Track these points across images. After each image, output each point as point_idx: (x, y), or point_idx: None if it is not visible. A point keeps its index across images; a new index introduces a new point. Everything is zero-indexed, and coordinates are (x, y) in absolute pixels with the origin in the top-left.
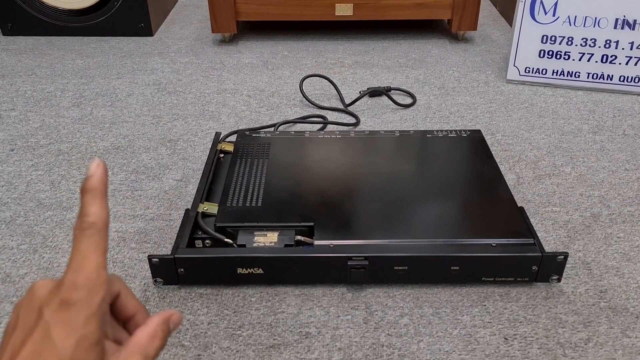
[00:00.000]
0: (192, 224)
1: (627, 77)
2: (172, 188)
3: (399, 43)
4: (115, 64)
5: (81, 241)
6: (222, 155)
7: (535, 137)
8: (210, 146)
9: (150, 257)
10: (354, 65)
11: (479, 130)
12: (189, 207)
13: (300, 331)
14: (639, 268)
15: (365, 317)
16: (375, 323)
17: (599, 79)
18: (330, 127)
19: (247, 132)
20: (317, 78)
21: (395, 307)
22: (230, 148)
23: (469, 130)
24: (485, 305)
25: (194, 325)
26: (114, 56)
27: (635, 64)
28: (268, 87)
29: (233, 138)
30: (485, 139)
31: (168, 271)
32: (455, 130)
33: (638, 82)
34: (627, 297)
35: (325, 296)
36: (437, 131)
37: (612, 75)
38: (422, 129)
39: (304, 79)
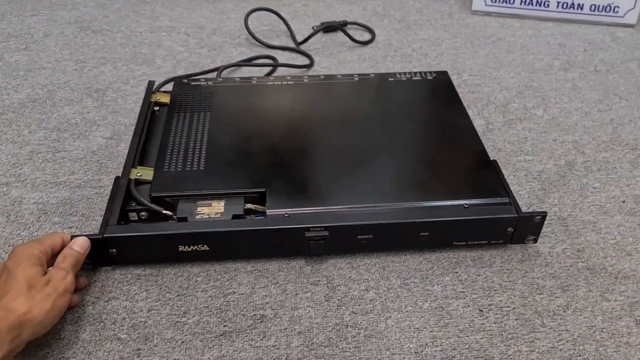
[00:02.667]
0: (123, 194)
1: (598, 6)
2: (101, 148)
3: None
4: None
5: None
6: (157, 108)
7: (504, 76)
8: (143, 96)
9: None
10: None
11: (446, 72)
12: (121, 170)
13: (255, 314)
14: (615, 222)
15: (327, 293)
16: (338, 300)
17: (569, 8)
18: (280, 71)
19: (185, 80)
20: (265, 12)
21: (359, 280)
22: (166, 99)
23: (434, 72)
24: (457, 273)
25: (132, 313)
26: None
27: None
28: (209, 23)
29: (169, 87)
30: (452, 80)
31: (97, 252)
32: (420, 73)
33: (609, 11)
34: (605, 255)
35: (281, 271)
36: (399, 74)
37: (583, 4)
38: (383, 70)
39: (249, 14)
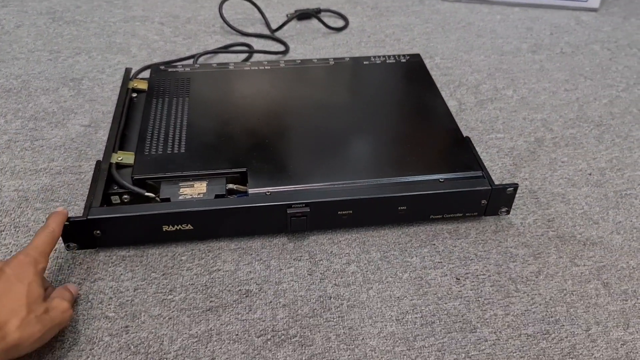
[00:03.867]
0: (105, 177)
1: None
2: (80, 135)
3: None
4: None
5: (39, 234)
6: (135, 94)
7: (474, 59)
8: (120, 84)
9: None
10: None
11: (418, 55)
12: (102, 156)
13: (240, 290)
14: (583, 193)
15: (310, 267)
16: (320, 274)
17: None
18: (256, 57)
19: (162, 67)
20: (239, 0)
21: (341, 254)
22: (143, 86)
23: (407, 55)
24: (434, 245)
25: (118, 293)
26: None
27: None
28: (183, 12)
29: (146, 74)
30: (424, 63)
31: (82, 234)
32: (394, 56)
33: None
34: (574, 224)
35: (264, 248)
36: (374, 57)
37: None
38: (357, 54)
39: (223, 2)
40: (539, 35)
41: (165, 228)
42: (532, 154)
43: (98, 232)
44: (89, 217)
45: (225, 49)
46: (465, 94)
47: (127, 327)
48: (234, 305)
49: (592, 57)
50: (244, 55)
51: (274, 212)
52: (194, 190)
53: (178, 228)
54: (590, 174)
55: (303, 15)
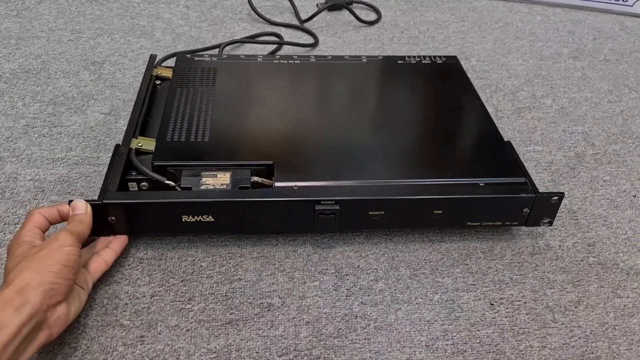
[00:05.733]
0: (123, 162)
1: None
2: (99, 124)
3: None
4: None
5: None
6: (158, 82)
7: (512, 63)
8: (143, 70)
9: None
10: None
11: (455, 57)
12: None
13: (261, 302)
14: (627, 216)
15: (335, 282)
16: (346, 290)
17: None
18: (285, 50)
19: (188, 55)
20: None
21: (368, 269)
22: (168, 74)
23: (444, 57)
24: (467, 265)
25: (134, 299)
26: None
27: None
28: None
29: (171, 62)
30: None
31: (96, 220)
32: (430, 56)
33: (618, 0)
34: (617, 251)
35: (288, 258)
36: (408, 57)
37: None
38: (390, 51)
39: None
40: (581, 40)
41: (184, 218)
42: (571, 170)
43: (113, 218)
44: (104, 202)
45: (252, 38)
46: (502, 100)
47: (142, 337)
48: (255, 319)
49: (638, 67)
50: (272, 46)
51: (301, 208)
52: (217, 181)
53: (198, 219)
54: (634, 196)
55: (334, 6)
